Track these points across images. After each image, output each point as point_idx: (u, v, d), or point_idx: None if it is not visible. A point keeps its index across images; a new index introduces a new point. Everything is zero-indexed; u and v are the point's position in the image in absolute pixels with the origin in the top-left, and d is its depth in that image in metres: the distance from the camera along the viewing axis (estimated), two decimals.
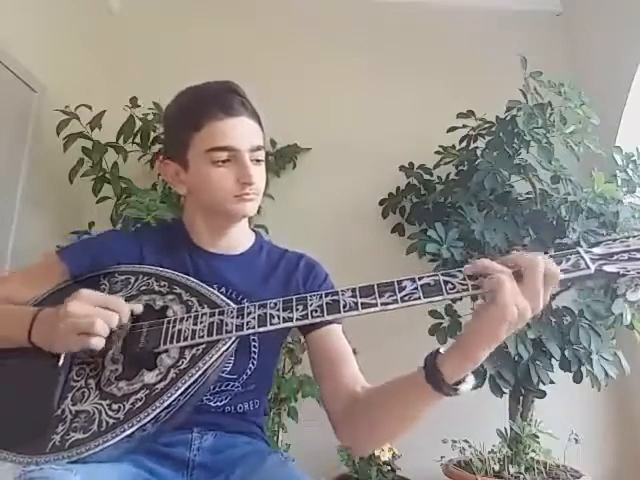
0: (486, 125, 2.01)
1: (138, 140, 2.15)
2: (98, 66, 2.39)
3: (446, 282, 0.72)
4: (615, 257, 0.72)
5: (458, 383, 0.71)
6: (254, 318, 0.77)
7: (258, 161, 0.92)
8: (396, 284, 0.73)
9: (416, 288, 0.72)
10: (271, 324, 0.75)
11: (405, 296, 0.72)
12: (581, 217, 1.73)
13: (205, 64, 2.45)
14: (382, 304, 0.72)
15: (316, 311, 0.75)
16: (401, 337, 2.19)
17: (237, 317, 0.78)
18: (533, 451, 1.71)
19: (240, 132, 0.89)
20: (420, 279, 0.72)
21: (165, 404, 0.72)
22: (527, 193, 2.00)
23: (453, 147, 2.15)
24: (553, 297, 1.89)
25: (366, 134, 2.42)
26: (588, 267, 0.70)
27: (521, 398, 1.84)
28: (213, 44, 2.54)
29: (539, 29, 2.58)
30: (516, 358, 1.70)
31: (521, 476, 1.65)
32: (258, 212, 2.38)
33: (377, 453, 1.78)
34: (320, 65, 2.52)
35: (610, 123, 2.17)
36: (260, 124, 0.95)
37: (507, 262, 0.69)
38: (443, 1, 2.60)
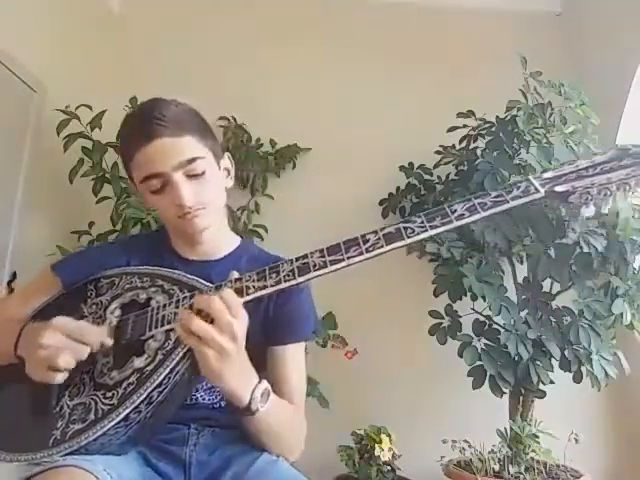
0: (486, 125, 2.02)
1: None
2: (98, 66, 2.38)
3: (406, 228, 0.75)
4: (564, 178, 0.76)
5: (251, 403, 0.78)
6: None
7: (194, 176, 0.90)
8: (360, 238, 0.76)
9: (379, 238, 0.75)
10: (247, 294, 0.77)
11: (369, 247, 0.75)
12: (581, 217, 1.73)
13: (205, 64, 2.47)
14: (348, 258, 0.75)
15: (288, 275, 0.76)
16: (401, 337, 2.19)
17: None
18: (533, 451, 1.71)
19: (160, 155, 0.88)
20: (382, 230, 0.76)
21: (155, 383, 0.74)
22: None
23: (453, 147, 2.15)
24: (553, 297, 1.89)
25: (366, 134, 2.42)
26: (538, 190, 0.74)
27: (521, 398, 1.84)
28: (213, 44, 2.55)
29: (539, 29, 2.58)
30: (516, 358, 1.70)
31: (521, 476, 1.65)
32: (258, 212, 2.39)
33: (377, 453, 1.78)
34: (320, 65, 2.52)
35: (610, 123, 2.17)
36: (191, 134, 0.90)
37: (197, 310, 0.74)
38: (443, 1, 2.60)
